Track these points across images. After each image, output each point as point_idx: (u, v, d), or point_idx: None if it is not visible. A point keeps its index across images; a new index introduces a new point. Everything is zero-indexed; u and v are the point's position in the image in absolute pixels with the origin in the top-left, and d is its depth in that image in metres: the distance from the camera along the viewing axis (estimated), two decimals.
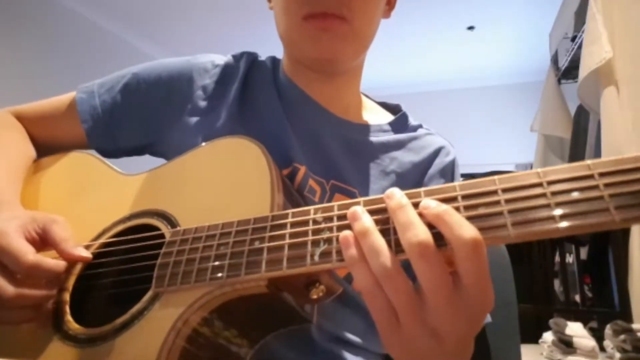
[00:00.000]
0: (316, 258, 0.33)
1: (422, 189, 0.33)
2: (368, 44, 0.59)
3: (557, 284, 1.81)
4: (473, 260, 0.28)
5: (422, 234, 0.29)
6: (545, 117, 2.59)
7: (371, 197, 0.35)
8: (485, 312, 0.31)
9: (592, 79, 1.66)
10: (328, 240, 0.33)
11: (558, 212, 0.27)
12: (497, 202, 0.29)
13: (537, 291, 1.76)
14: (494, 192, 0.30)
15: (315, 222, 0.35)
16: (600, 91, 1.61)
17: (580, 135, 2.24)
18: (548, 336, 1.37)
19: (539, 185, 0.29)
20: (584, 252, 1.84)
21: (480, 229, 0.29)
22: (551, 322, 1.39)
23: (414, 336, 0.30)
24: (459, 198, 0.31)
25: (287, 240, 0.35)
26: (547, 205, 0.28)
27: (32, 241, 0.43)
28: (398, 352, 0.32)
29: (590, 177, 0.28)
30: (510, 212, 0.29)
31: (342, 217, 0.34)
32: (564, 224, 0.27)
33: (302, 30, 0.54)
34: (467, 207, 0.30)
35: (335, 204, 0.35)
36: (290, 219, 0.36)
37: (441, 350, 0.31)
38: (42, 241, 0.44)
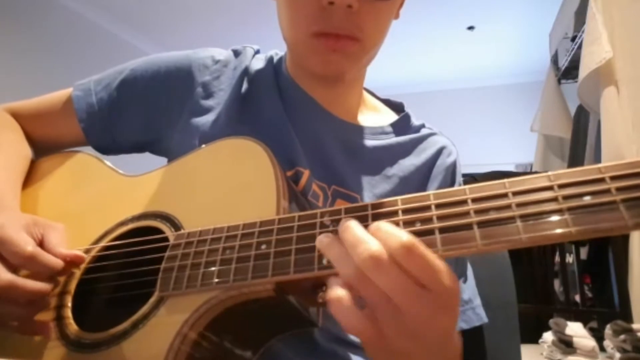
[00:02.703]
0: (324, 262, 0.33)
1: (431, 192, 0.33)
2: (377, 53, 0.58)
3: (557, 283, 1.81)
4: (399, 269, 0.29)
5: (374, 246, 0.29)
6: (545, 117, 2.60)
7: (379, 200, 0.34)
8: (457, 298, 0.31)
9: (592, 79, 1.66)
10: None
11: (570, 216, 0.27)
12: (508, 206, 0.29)
13: (537, 291, 1.76)
14: (505, 196, 0.30)
15: (322, 225, 0.35)
16: (600, 91, 1.61)
17: (580, 135, 2.24)
18: (548, 336, 1.37)
19: (550, 188, 0.29)
20: (584, 252, 1.84)
21: (492, 234, 0.29)
22: (551, 322, 1.39)
23: (397, 344, 0.31)
24: (469, 201, 0.31)
25: (295, 245, 0.35)
26: (559, 210, 0.28)
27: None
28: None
29: (602, 180, 0.28)
30: (522, 216, 0.29)
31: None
32: (576, 228, 0.27)
33: (310, 46, 0.52)
34: (477, 211, 0.30)
35: (342, 207, 0.35)
36: (297, 222, 0.36)
37: (425, 349, 0.31)
38: (40, 245, 0.44)
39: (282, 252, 0.35)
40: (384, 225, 0.31)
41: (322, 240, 0.32)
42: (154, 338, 0.38)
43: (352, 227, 0.31)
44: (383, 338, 0.30)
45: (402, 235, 0.29)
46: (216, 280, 0.36)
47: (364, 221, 0.33)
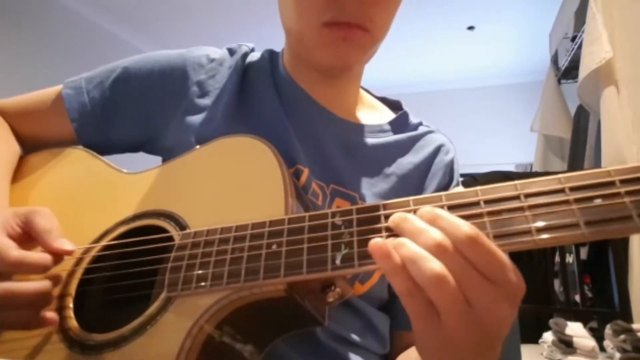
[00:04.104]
0: (338, 262, 0.33)
1: (442, 193, 0.33)
2: (378, 49, 0.58)
3: (557, 283, 1.81)
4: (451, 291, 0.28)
5: (437, 235, 0.29)
6: (545, 117, 2.60)
7: (391, 201, 0.34)
8: (522, 293, 0.31)
9: (592, 79, 1.67)
10: (349, 244, 0.33)
11: (582, 218, 0.28)
12: (521, 209, 0.30)
13: (537, 291, 1.76)
14: (517, 198, 0.30)
15: (334, 225, 0.35)
16: (600, 91, 1.62)
17: (580, 135, 2.25)
18: (548, 336, 1.37)
19: (561, 191, 0.29)
20: (584, 252, 1.84)
21: (505, 235, 0.29)
22: (551, 322, 1.39)
23: (458, 329, 0.29)
24: (482, 203, 0.31)
25: (306, 244, 0.35)
26: (571, 212, 0.28)
27: (16, 237, 0.42)
28: (435, 348, 0.31)
29: (612, 184, 0.28)
30: (535, 218, 0.29)
31: (362, 221, 0.34)
32: (589, 230, 0.27)
33: (319, 36, 0.52)
34: (490, 213, 0.30)
35: (354, 207, 0.35)
36: (307, 223, 0.36)
37: (478, 340, 0.30)
38: (27, 235, 0.42)
39: (294, 252, 0.35)
40: (443, 213, 0.30)
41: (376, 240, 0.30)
42: (163, 340, 0.37)
43: (411, 217, 0.31)
44: (440, 324, 0.29)
45: (465, 225, 0.29)
46: (227, 280, 0.36)
47: (377, 222, 0.33)
